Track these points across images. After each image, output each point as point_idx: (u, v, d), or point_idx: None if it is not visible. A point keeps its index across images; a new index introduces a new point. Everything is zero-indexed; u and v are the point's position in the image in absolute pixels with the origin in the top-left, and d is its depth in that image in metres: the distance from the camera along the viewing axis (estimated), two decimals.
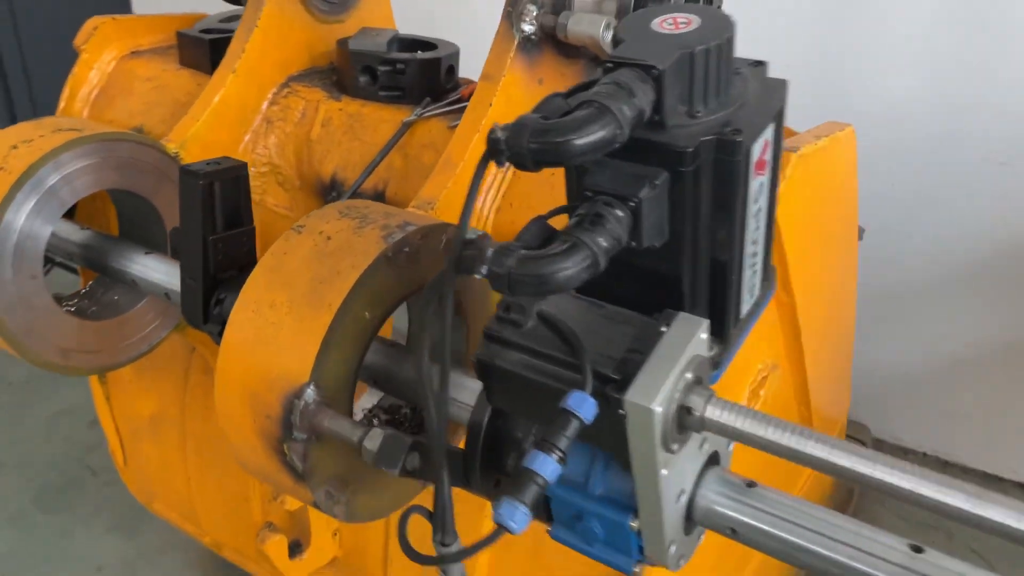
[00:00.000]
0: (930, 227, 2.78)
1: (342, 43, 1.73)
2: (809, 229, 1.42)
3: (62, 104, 1.90)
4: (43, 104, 3.97)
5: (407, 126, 1.62)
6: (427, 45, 1.79)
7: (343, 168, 1.65)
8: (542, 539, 1.58)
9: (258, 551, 1.82)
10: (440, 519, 0.97)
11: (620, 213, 0.82)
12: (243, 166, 1.36)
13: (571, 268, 0.79)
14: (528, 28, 1.44)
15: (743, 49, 0.91)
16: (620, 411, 0.85)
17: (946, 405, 2.95)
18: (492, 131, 0.78)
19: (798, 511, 0.97)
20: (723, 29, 0.83)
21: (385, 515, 1.28)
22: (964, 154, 2.63)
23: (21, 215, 1.42)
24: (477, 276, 0.82)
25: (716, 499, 1.01)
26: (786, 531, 0.96)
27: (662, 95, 0.80)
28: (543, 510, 1.07)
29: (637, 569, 1.03)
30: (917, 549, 0.92)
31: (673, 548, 1.00)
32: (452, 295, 0.87)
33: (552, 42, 1.50)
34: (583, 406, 0.84)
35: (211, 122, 1.65)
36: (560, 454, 0.83)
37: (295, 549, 1.83)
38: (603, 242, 0.80)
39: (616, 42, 0.84)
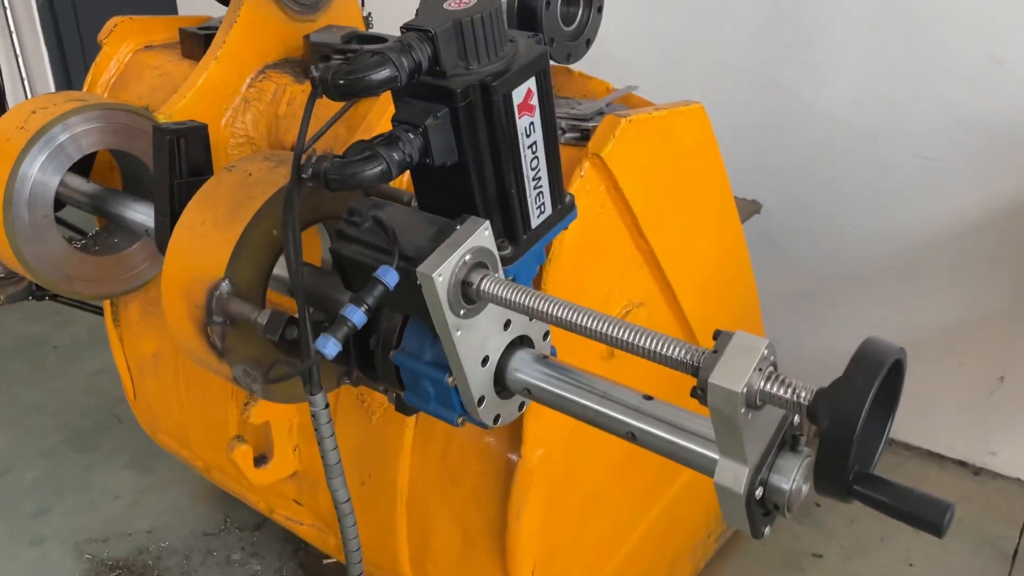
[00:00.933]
0: (868, 219, 3.03)
1: (306, 37, 2.09)
2: (655, 187, 1.70)
3: (85, 89, 2.30)
4: None
5: (352, 103, 1.96)
6: (380, 40, 2.13)
7: None
8: (451, 439, 1.90)
9: (232, 464, 2.17)
10: (306, 373, 1.30)
11: (412, 136, 1.15)
12: (204, 127, 1.72)
13: (367, 171, 1.12)
14: None
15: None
16: (417, 282, 1.18)
17: None
18: (310, 72, 1.12)
19: (569, 373, 1.28)
20: (489, 6, 1.16)
21: (299, 400, 1.61)
22: (896, 150, 2.89)
23: (35, 165, 1.80)
24: (304, 176, 1.16)
25: (518, 367, 1.32)
26: (559, 388, 1.27)
27: (438, 51, 1.13)
28: (396, 380, 1.40)
29: (460, 420, 1.35)
30: (648, 398, 1.23)
31: (484, 405, 1.32)
32: (299, 195, 1.21)
33: None
34: (387, 275, 1.18)
35: (195, 99, 2.01)
36: (366, 307, 1.16)
37: (260, 461, 2.17)
38: (395, 155, 1.14)
39: (416, 15, 1.17)
